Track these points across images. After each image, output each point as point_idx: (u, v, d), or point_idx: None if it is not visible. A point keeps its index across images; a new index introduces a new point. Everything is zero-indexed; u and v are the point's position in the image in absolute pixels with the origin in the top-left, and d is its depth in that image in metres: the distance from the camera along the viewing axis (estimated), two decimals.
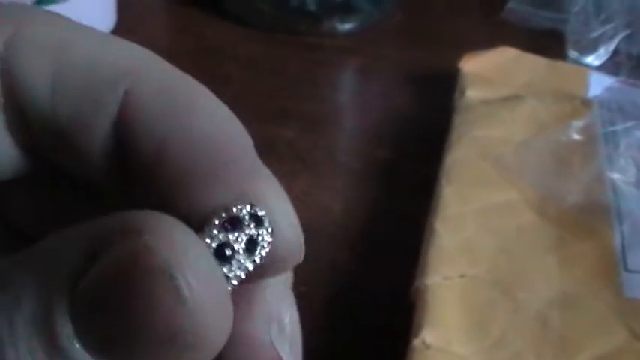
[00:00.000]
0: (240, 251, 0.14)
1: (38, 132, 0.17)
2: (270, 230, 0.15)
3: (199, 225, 0.14)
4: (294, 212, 0.16)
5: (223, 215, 0.14)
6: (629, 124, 0.40)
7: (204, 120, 0.16)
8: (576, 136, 0.40)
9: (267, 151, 0.45)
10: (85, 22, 0.18)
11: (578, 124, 0.40)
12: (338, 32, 0.53)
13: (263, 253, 0.15)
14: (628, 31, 0.50)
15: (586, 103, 0.43)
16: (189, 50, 0.51)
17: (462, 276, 0.31)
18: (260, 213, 0.15)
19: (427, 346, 0.28)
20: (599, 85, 0.45)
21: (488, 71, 0.45)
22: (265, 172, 0.16)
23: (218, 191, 0.15)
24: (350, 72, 0.52)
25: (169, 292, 0.12)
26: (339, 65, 0.52)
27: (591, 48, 0.49)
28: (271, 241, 0.15)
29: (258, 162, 0.17)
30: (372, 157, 0.43)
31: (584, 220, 0.35)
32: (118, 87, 0.16)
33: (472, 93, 0.43)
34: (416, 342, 0.29)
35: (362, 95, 0.49)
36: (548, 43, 0.50)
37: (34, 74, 0.17)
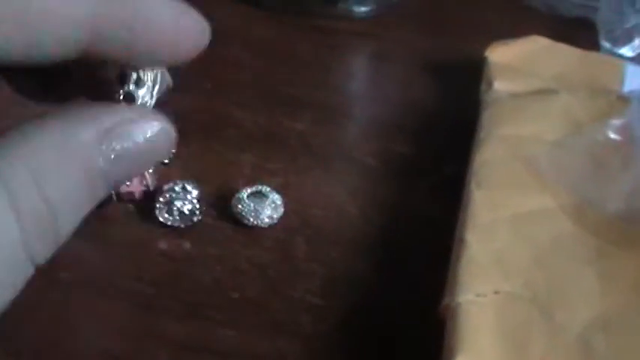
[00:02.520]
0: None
1: None
2: None
3: None
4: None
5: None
6: None
7: None
8: (614, 136, 0.37)
9: (275, 142, 0.41)
10: None
11: (616, 122, 0.37)
12: (353, 15, 0.50)
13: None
14: None
15: (622, 99, 0.39)
16: None
17: (496, 292, 0.28)
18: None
19: None
20: (635, 78, 0.42)
21: (517, 61, 0.42)
22: None
23: None
24: (366, 58, 0.49)
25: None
26: (354, 51, 0.48)
27: (625, 39, 0.46)
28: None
29: None
30: (390, 152, 0.39)
31: (626, 228, 0.32)
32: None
33: (500, 85, 0.40)
34: None
35: (379, 84, 0.46)
36: (578, 31, 0.47)
37: None
